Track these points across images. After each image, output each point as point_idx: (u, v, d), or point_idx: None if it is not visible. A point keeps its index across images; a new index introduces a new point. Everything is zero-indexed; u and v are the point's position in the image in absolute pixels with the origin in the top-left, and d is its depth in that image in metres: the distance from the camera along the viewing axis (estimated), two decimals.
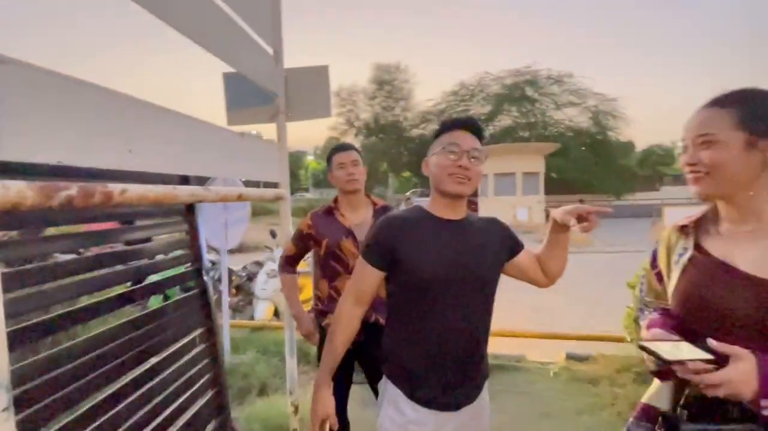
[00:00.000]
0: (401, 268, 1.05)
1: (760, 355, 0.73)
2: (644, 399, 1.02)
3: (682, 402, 0.86)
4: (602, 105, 22.70)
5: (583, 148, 22.16)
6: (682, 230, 0.96)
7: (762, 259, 0.80)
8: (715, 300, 0.83)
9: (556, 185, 20.59)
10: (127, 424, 1.09)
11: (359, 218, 1.73)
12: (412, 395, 1.05)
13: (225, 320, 3.14)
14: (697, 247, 0.90)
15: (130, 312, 1.34)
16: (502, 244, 1.16)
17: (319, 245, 1.72)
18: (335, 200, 1.79)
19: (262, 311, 4.03)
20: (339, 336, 1.09)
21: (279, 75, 1.95)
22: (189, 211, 1.46)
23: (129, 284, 1.45)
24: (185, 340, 1.33)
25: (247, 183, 2.17)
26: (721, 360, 0.74)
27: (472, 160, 1.05)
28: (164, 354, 1.24)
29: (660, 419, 0.87)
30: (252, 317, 4.06)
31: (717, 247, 0.87)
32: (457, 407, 1.06)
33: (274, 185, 1.89)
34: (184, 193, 1.11)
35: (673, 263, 0.95)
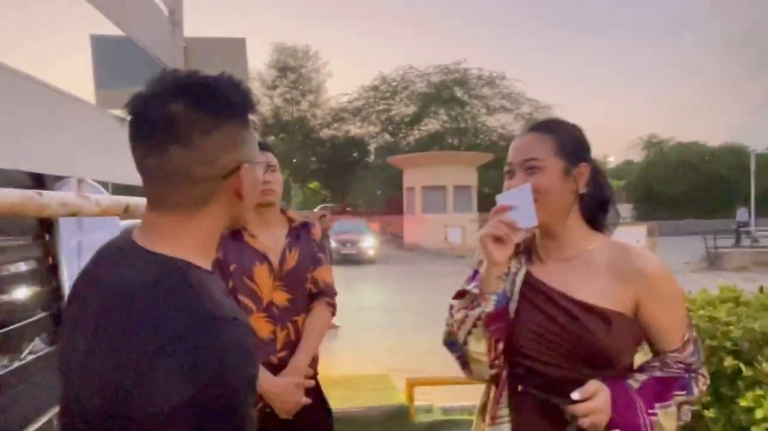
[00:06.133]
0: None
1: (612, 387, 0.93)
2: None
3: None
4: (537, 113, 25.40)
5: None
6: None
7: (593, 288, 1.00)
8: (553, 328, 1.00)
9: (489, 202, 22.22)
10: None
11: (273, 241, 1.66)
12: None
13: None
14: (528, 274, 1.08)
15: None
16: None
17: (224, 276, 1.59)
18: None
19: None
20: None
21: (177, 44, 1.80)
22: (44, 229, 1.22)
23: None
24: (40, 422, 1.07)
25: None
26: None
27: None
28: None
29: None
30: None
31: (547, 275, 1.06)
32: None
33: None
34: (52, 201, 0.93)
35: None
